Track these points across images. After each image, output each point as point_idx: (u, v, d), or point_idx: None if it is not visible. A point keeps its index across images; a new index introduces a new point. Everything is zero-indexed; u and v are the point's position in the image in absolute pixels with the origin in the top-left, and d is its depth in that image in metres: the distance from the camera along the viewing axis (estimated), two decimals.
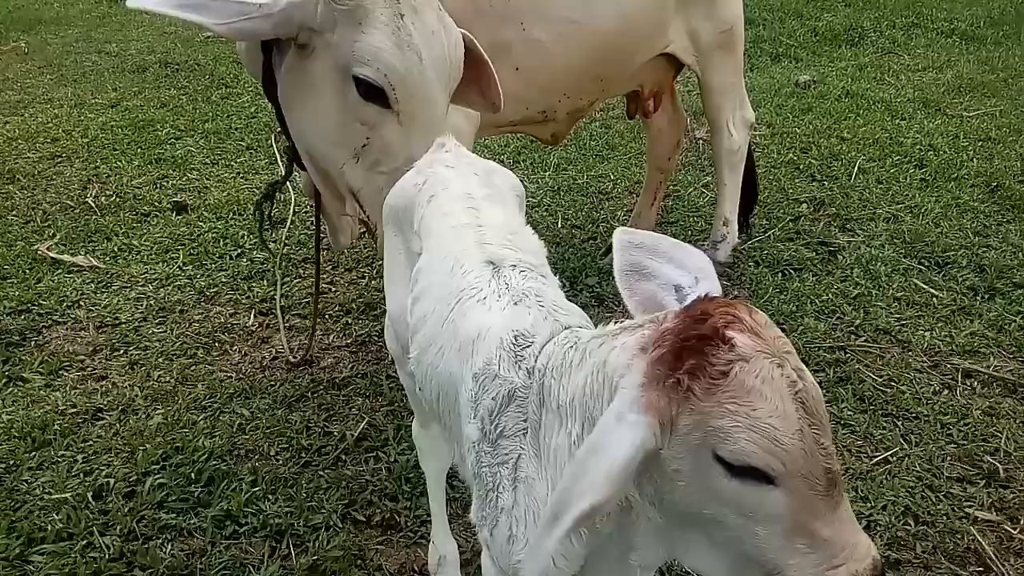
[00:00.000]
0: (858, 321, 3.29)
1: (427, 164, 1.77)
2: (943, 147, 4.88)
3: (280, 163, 4.62)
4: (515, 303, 1.38)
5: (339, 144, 2.06)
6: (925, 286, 3.54)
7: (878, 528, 2.37)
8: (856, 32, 7.26)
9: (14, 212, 4.12)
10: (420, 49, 1.89)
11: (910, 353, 3.14)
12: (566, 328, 1.32)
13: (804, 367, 1.08)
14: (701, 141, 5.00)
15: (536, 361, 1.29)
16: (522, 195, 1.81)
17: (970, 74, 6.19)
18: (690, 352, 1.03)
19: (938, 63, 6.52)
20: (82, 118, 5.27)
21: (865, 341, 3.20)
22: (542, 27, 2.73)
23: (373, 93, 1.94)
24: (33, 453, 2.60)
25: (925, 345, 3.18)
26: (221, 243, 3.86)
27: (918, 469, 2.59)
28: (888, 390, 2.94)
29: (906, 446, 2.69)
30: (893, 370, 3.04)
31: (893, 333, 3.24)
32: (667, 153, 3.85)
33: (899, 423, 2.80)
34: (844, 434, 2.74)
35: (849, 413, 2.82)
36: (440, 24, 1.99)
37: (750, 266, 3.70)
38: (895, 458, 2.64)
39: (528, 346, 1.32)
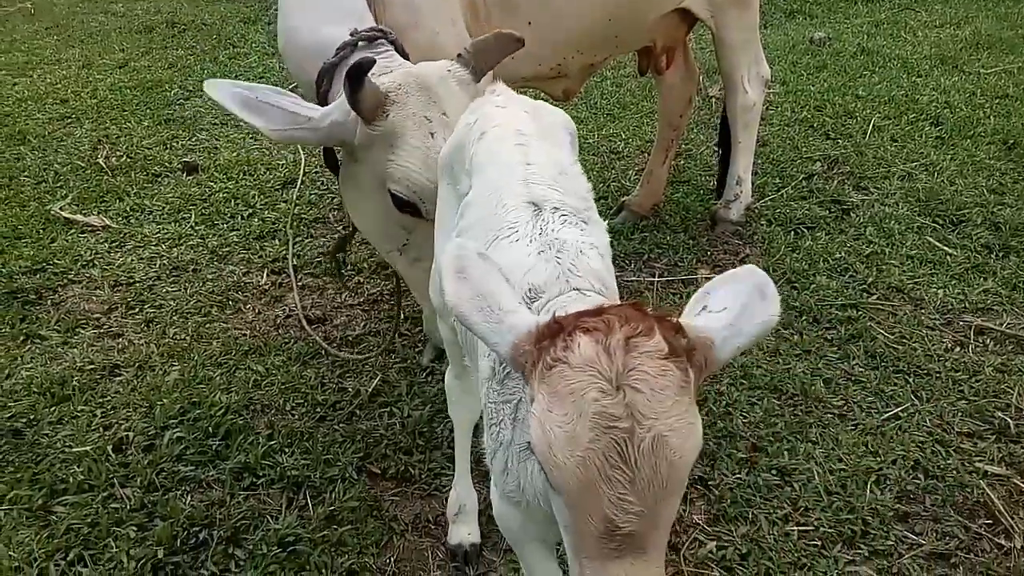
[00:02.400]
0: (871, 279, 3.28)
1: (478, 105, 1.78)
2: (959, 104, 4.81)
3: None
4: (539, 252, 1.38)
5: (384, 240, 2.20)
6: (939, 244, 3.52)
7: (888, 482, 2.39)
8: None
9: (26, 173, 4.13)
10: None
11: (923, 311, 3.14)
12: (574, 290, 1.33)
13: (657, 420, 1.00)
14: (714, 99, 4.94)
15: (539, 316, 1.30)
16: (574, 132, 1.80)
17: (988, 30, 6.07)
18: (554, 335, 1.06)
19: (955, 19, 6.40)
20: (90, 79, 5.25)
21: (878, 299, 3.19)
22: None
23: (407, 205, 2.03)
24: (53, 408, 2.64)
25: (938, 302, 3.17)
26: (232, 203, 3.87)
27: (928, 424, 2.60)
28: (900, 347, 2.94)
29: (917, 402, 2.70)
30: (905, 327, 3.03)
31: (906, 291, 3.23)
32: (679, 110, 3.80)
33: (910, 379, 2.80)
34: (855, 390, 2.75)
35: (860, 370, 2.83)
36: None
37: (762, 225, 3.69)
38: (905, 414, 2.65)
39: (536, 300, 1.34)
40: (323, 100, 2.21)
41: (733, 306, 1.15)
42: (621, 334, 1.03)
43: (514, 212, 1.46)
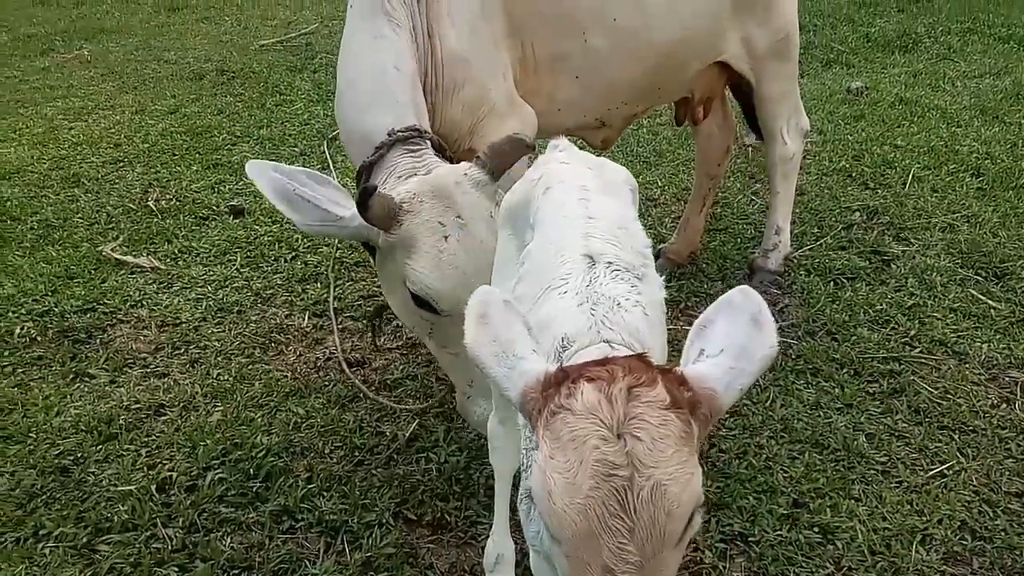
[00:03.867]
0: (913, 332, 3.25)
1: (544, 162, 1.84)
2: (1001, 155, 4.77)
3: (331, 167, 4.72)
4: (579, 304, 1.41)
5: (412, 325, 2.30)
6: (982, 297, 3.47)
7: (933, 543, 2.34)
8: (910, 38, 7.13)
9: (79, 215, 4.27)
10: (464, 264, 2.08)
11: (967, 365, 3.09)
12: (603, 341, 1.35)
13: (656, 468, 1.00)
14: (750, 148, 4.97)
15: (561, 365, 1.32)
16: (635, 188, 1.86)
17: None
18: (559, 383, 1.09)
19: (995, 70, 6.37)
20: (143, 124, 5.44)
21: (920, 352, 3.15)
22: (602, 37, 2.77)
23: (425, 303, 2.13)
24: (99, 447, 2.70)
25: (982, 357, 3.12)
26: (276, 246, 3.96)
27: (975, 483, 2.55)
28: (944, 402, 2.89)
29: (963, 460, 2.65)
30: (949, 382, 2.98)
31: (949, 345, 3.19)
32: (717, 159, 3.83)
33: (955, 436, 2.75)
34: (898, 446, 2.70)
35: (904, 425, 2.78)
36: (490, 232, 2.12)
37: (801, 274, 3.67)
38: (951, 471, 2.60)
39: (566, 350, 1.36)
40: None
41: (730, 346, 1.17)
42: (624, 383, 1.05)
43: (569, 264, 1.49)
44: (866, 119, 5.40)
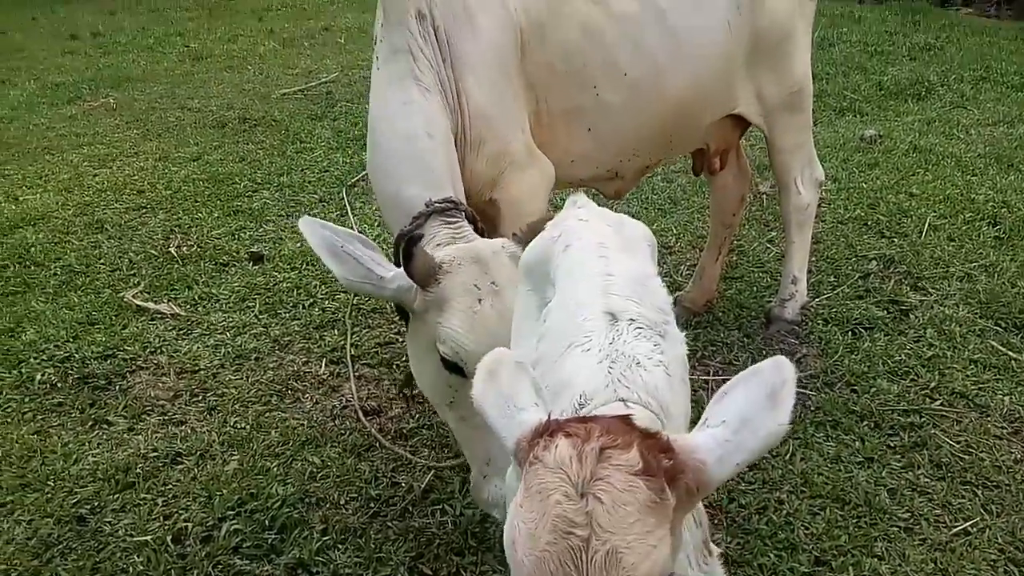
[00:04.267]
0: (933, 383, 3.22)
1: (562, 219, 1.87)
2: (1017, 204, 4.76)
3: (350, 214, 4.79)
4: (599, 362, 1.42)
5: (434, 393, 2.33)
6: (1003, 348, 3.44)
7: None
8: (923, 86, 7.18)
9: (102, 261, 4.34)
10: (495, 328, 2.12)
11: (988, 418, 3.05)
12: (619, 400, 1.35)
13: (614, 534, 1.00)
14: (766, 196, 4.99)
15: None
16: (654, 244, 1.88)
17: None
18: (540, 435, 1.11)
19: (1009, 118, 6.40)
20: (166, 171, 5.55)
21: (941, 405, 3.11)
22: (614, 92, 2.81)
23: (453, 366, 2.17)
24: (116, 495, 2.71)
25: (1004, 410, 3.08)
26: (295, 293, 4.00)
27: (1000, 541, 2.50)
28: (967, 457, 2.85)
29: (987, 516, 2.60)
30: (971, 436, 2.95)
31: (970, 397, 3.15)
32: (732, 208, 3.85)
33: (979, 492, 2.71)
34: (921, 502, 2.66)
35: (926, 480, 2.74)
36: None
37: (819, 324, 3.66)
38: (975, 529, 2.55)
39: (584, 407, 1.36)
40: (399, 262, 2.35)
41: (734, 418, 1.15)
42: (597, 443, 1.05)
43: (591, 322, 1.50)
44: (880, 167, 5.42)
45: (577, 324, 1.51)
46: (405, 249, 2.11)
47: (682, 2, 2.86)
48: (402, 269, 2.17)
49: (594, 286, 1.57)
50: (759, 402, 1.16)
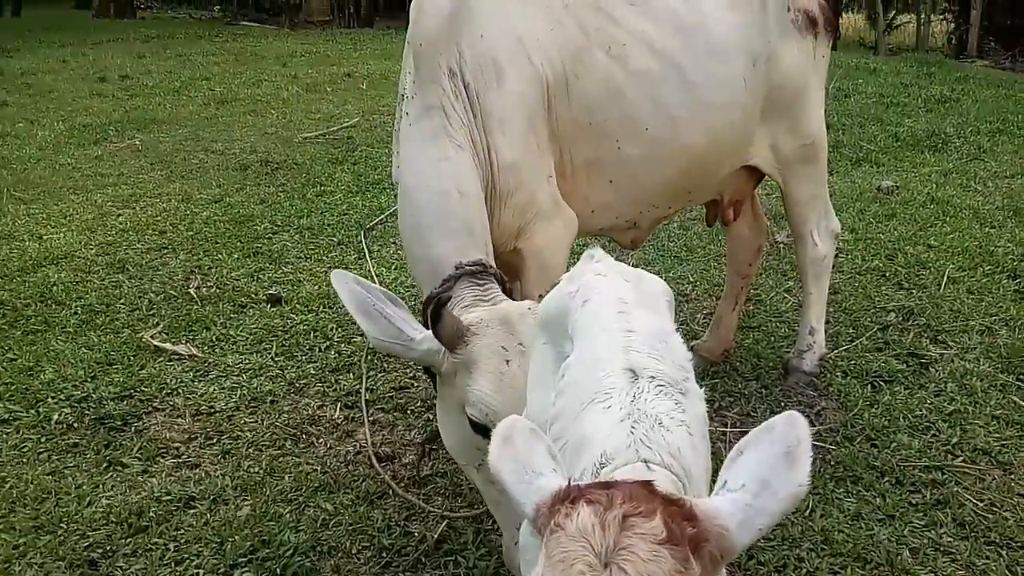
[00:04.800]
0: (955, 439, 3.17)
1: (579, 273, 1.86)
2: None
3: (367, 257, 4.83)
4: (621, 420, 1.40)
5: (462, 456, 2.35)
6: None
7: None
8: (939, 138, 7.22)
9: (122, 300, 4.39)
10: (524, 389, 2.11)
11: (1012, 476, 2.99)
12: (642, 461, 1.33)
13: None
14: (782, 245, 4.99)
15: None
16: (672, 299, 1.87)
17: None
18: (560, 502, 1.10)
19: None
20: (188, 212, 5.64)
21: (963, 461, 3.06)
22: (635, 145, 2.85)
23: (482, 429, 2.18)
24: (129, 539, 2.69)
25: None
26: (311, 335, 4.02)
27: None
28: (990, 516, 2.79)
29: None
30: (995, 494, 2.89)
31: (993, 454, 3.10)
32: (748, 259, 3.86)
33: (1003, 552, 2.64)
34: (944, 562, 2.60)
35: (949, 540, 2.68)
36: None
37: (838, 376, 3.62)
38: None
39: (604, 467, 1.35)
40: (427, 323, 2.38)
41: (754, 480, 1.14)
42: (620, 511, 1.04)
43: (611, 378, 1.49)
44: (898, 218, 5.42)
45: (597, 380, 1.50)
46: (433, 311, 2.12)
47: (699, 58, 2.91)
48: (430, 333, 2.18)
49: (614, 342, 1.56)
50: (776, 462, 1.15)
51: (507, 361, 2.15)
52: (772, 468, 1.14)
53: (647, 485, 1.11)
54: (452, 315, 2.19)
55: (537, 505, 1.14)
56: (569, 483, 1.13)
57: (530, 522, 1.15)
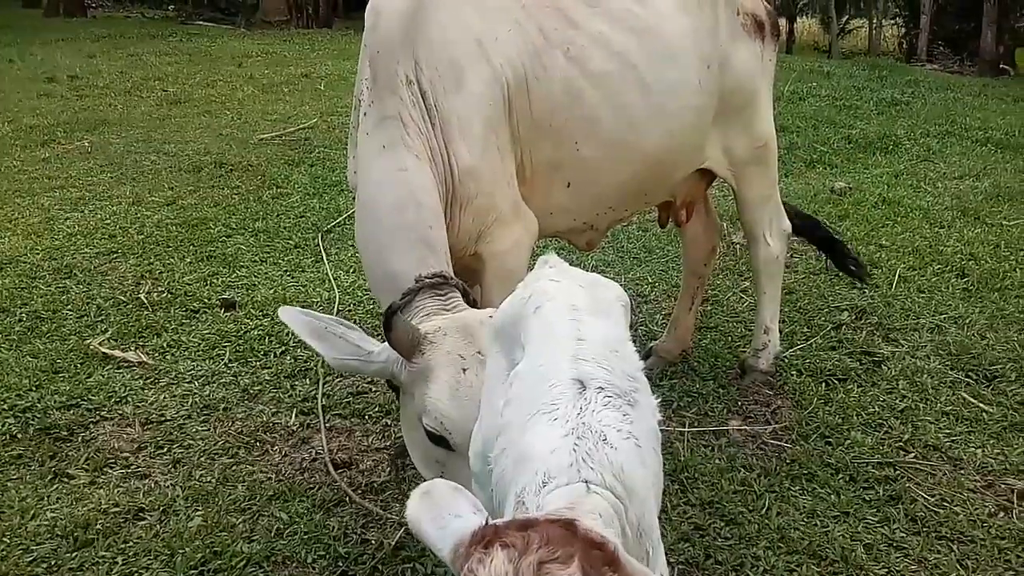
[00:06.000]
0: (906, 436, 3.23)
1: (533, 279, 1.84)
2: (984, 256, 4.86)
3: (325, 260, 4.76)
4: (565, 436, 1.37)
5: (425, 469, 2.32)
6: (974, 400, 3.47)
7: None
8: (890, 140, 7.38)
9: (69, 307, 4.25)
10: (478, 397, 2.09)
11: (962, 472, 3.06)
12: (582, 481, 1.30)
13: None
14: (738, 246, 5.05)
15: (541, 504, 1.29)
16: (627, 305, 1.85)
17: (1008, 183, 6.22)
18: (480, 543, 1.08)
19: (974, 171, 6.58)
20: (139, 215, 5.50)
21: (915, 457, 3.12)
22: (593, 147, 2.85)
23: (438, 438, 2.17)
24: (74, 553, 2.60)
25: (977, 463, 3.09)
26: (266, 340, 3.94)
27: None
28: (941, 511, 2.85)
29: (962, 571, 2.59)
30: (945, 489, 2.95)
31: (943, 450, 3.16)
32: (702, 259, 3.89)
33: (954, 547, 2.69)
34: (897, 557, 2.64)
35: (902, 535, 2.73)
36: None
37: (792, 375, 3.67)
38: None
39: (545, 485, 1.32)
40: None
41: None
42: (535, 556, 1.01)
43: (558, 388, 1.46)
44: (850, 219, 5.52)
45: (544, 391, 1.47)
46: (385, 320, 2.10)
47: (655, 60, 2.92)
48: (387, 345, 2.15)
49: (564, 351, 1.54)
50: None
51: (464, 370, 2.12)
52: None
53: (569, 526, 1.08)
54: (405, 322, 2.16)
55: (454, 546, 1.11)
56: (486, 523, 1.11)
57: (449, 564, 1.12)
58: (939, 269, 4.71)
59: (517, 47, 2.71)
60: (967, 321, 4.11)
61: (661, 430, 1.69)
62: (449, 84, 2.59)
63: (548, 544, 1.02)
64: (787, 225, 3.66)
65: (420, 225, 2.44)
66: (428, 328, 2.21)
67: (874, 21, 17.13)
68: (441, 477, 2.21)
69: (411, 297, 2.36)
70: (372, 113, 2.57)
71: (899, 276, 4.61)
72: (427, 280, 2.36)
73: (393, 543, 2.68)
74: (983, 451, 3.14)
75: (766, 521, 2.78)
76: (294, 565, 2.58)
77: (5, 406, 3.36)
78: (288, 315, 2.28)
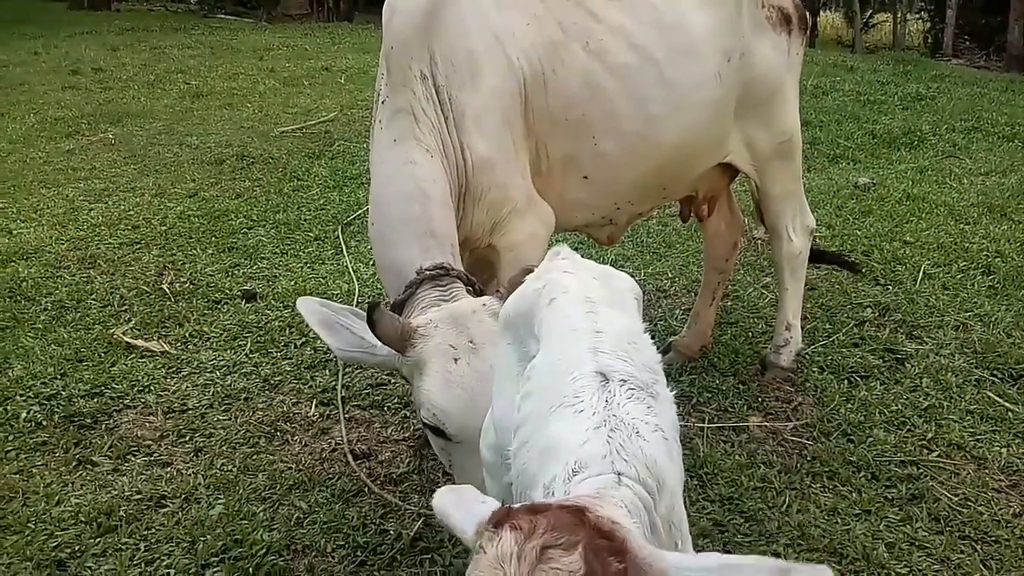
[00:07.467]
0: (930, 434, 3.19)
1: (545, 271, 1.82)
2: (1011, 254, 4.79)
3: (345, 252, 4.78)
4: (596, 427, 1.36)
5: (442, 458, 2.33)
6: (999, 399, 3.42)
7: None
8: (915, 135, 7.28)
9: (93, 296, 4.30)
10: (472, 387, 2.12)
11: (986, 471, 3.02)
12: (615, 472, 1.29)
13: None
14: (760, 241, 5.01)
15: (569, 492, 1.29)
16: (640, 296, 1.84)
17: None
18: (491, 523, 1.09)
19: (1001, 167, 6.47)
20: (161, 207, 5.55)
21: (938, 456, 3.08)
22: (611, 141, 2.84)
23: (436, 430, 2.18)
24: (98, 539, 2.64)
25: (1002, 463, 3.05)
26: (287, 332, 3.96)
27: None
28: (965, 510, 2.81)
29: (986, 572, 2.56)
30: (969, 489, 2.91)
31: (968, 449, 3.12)
32: (725, 255, 3.86)
33: (978, 547, 2.66)
34: (919, 556, 2.61)
35: (924, 534, 2.70)
36: None
37: (814, 372, 3.64)
38: None
39: (577, 475, 1.31)
40: None
41: (726, 562, 1.10)
42: (540, 541, 1.01)
43: (581, 381, 1.45)
44: (874, 214, 5.45)
45: (566, 384, 1.47)
46: (368, 317, 2.10)
47: (675, 54, 2.90)
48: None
49: (582, 343, 1.53)
50: (763, 567, 1.09)
51: (455, 360, 2.12)
52: (756, 568, 1.09)
53: (578, 512, 1.07)
54: (390, 316, 2.16)
55: (477, 526, 1.13)
56: (502, 505, 1.12)
57: (471, 546, 1.14)
58: (964, 266, 4.64)
59: (535, 41, 2.70)
60: (993, 319, 4.05)
61: (680, 425, 1.68)
62: (465, 77, 2.59)
63: (554, 530, 1.02)
64: (811, 221, 3.63)
65: (426, 218, 2.45)
66: (420, 321, 2.21)
67: (899, 15, 16.91)
68: (450, 463, 2.22)
69: (413, 290, 2.37)
70: (386, 107, 2.59)
71: (923, 273, 4.55)
72: (428, 272, 2.37)
73: (412, 534, 2.69)
74: (1008, 450, 3.10)
75: (786, 518, 2.76)
76: (313, 554, 2.60)
77: (31, 393, 3.41)
78: (304, 305, 2.30)
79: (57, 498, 2.82)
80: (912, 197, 5.75)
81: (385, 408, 3.42)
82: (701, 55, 2.96)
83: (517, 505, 1.15)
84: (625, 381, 1.45)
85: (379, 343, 2.21)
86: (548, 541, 1.01)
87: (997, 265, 4.63)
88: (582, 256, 1.89)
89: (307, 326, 3.93)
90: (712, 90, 3.01)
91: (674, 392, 1.58)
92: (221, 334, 3.94)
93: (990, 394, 3.45)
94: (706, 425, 3.29)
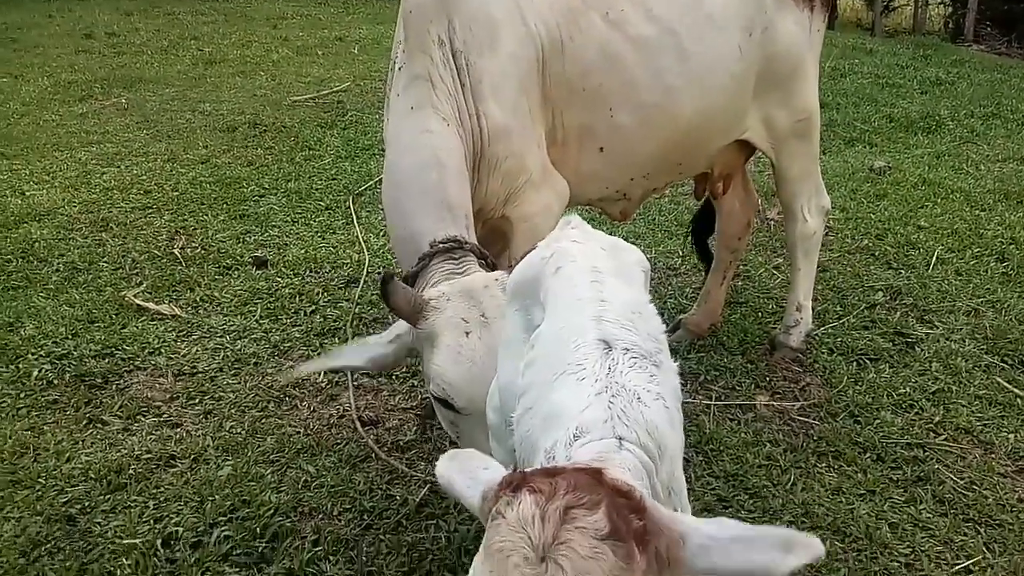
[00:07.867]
0: (937, 418, 3.18)
1: (555, 239, 1.82)
2: None
3: (356, 223, 4.78)
4: (598, 394, 1.37)
5: (448, 429, 2.33)
6: (1008, 385, 3.41)
7: None
8: (933, 120, 7.19)
9: (105, 259, 4.32)
10: (482, 360, 2.10)
11: (993, 456, 3.01)
12: (617, 437, 1.29)
13: None
14: (772, 222, 4.98)
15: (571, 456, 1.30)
16: (647, 270, 1.83)
17: None
18: (505, 488, 1.08)
19: (1019, 155, 6.40)
20: (173, 172, 5.55)
21: (945, 440, 3.08)
22: (628, 112, 2.81)
23: (444, 402, 2.18)
24: (107, 496, 2.67)
25: (1009, 448, 3.05)
26: (297, 299, 3.97)
27: None
28: (970, 493, 2.81)
29: (989, 555, 2.56)
30: (975, 472, 2.91)
31: (975, 433, 3.12)
32: (737, 233, 3.83)
33: (981, 530, 2.67)
34: (923, 537, 2.62)
35: (928, 516, 2.70)
36: None
37: (823, 353, 3.63)
38: (977, 568, 2.51)
39: (577, 439, 1.31)
40: None
41: (738, 530, 1.09)
42: (562, 502, 1.00)
43: (584, 349, 1.46)
44: (889, 198, 5.41)
45: (569, 351, 1.47)
46: (382, 286, 2.10)
47: (696, 26, 2.86)
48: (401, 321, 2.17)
49: (587, 312, 1.53)
50: (772, 538, 1.09)
51: (467, 333, 2.12)
52: (765, 539, 1.09)
53: (595, 474, 1.07)
54: (404, 288, 2.17)
55: (484, 492, 1.12)
56: (514, 470, 1.12)
57: (479, 512, 1.13)
58: (978, 252, 4.60)
59: (553, 6, 2.67)
60: (1005, 305, 4.02)
61: (686, 402, 1.67)
62: (483, 43, 2.56)
63: (576, 490, 1.02)
64: (826, 202, 3.60)
65: (441, 188, 2.43)
66: (432, 294, 2.21)
67: None
68: (458, 436, 2.23)
69: (426, 262, 2.36)
70: (403, 74, 2.57)
71: (937, 258, 4.52)
72: (441, 245, 2.36)
73: (418, 500, 2.71)
74: (1015, 436, 3.09)
75: (790, 496, 2.77)
76: (320, 516, 2.63)
77: (42, 352, 3.44)
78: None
79: (67, 455, 2.86)
80: (928, 182, 5.70)
81: (393, 377, 3.43)
82: (722, 28, 2.92)
83: (529, 470, 1.14)
84: (628, 350, 1.45)
85: (392, 336, 2.23)
86: (571, 501, 1.01)
87: (1011, 252, 4.60)
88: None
89: (317, 294, 4.01)
90: (732, 64, 2.97)
91: (682, 369, 1.58)
92: (231, 299, 3.95)
93: (999, 380, 3.44)
94: (713, 403, 3.29)
